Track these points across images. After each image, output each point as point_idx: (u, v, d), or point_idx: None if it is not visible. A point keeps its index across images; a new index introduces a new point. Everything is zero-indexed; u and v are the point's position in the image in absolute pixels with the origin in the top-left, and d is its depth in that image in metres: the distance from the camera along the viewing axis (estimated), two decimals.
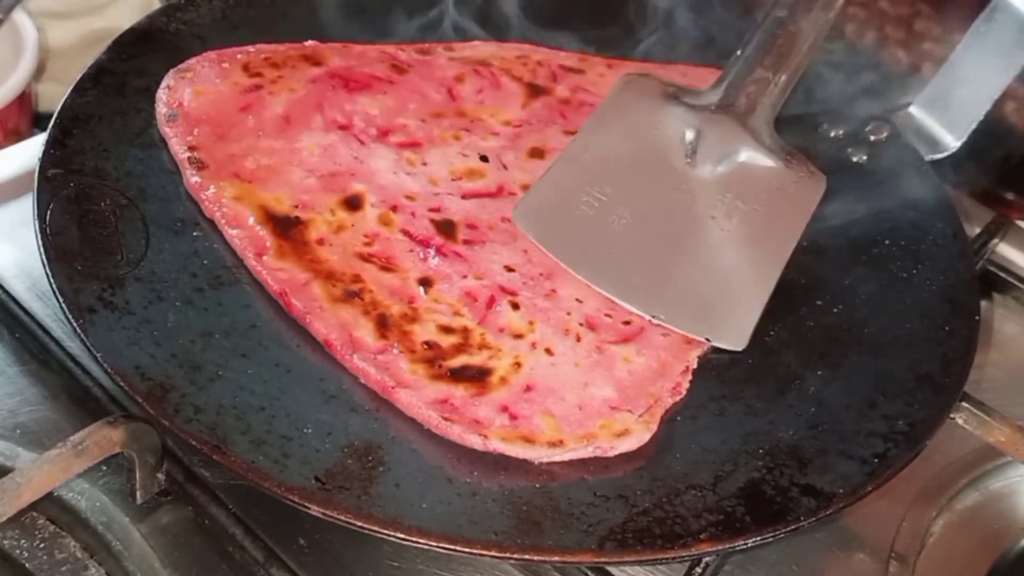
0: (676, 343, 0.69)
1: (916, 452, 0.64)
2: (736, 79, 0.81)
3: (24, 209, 0.71)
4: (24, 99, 0.93)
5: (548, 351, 0.67)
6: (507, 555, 0.57)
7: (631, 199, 0.75)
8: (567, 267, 0.71)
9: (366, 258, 0.70)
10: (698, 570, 0.64)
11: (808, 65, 0.82)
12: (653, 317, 0.69)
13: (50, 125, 0.73)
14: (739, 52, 0.82)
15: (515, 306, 0.69)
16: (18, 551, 0.62)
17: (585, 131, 0.79)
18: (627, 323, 0.69)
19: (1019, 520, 0.73)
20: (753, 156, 0.78)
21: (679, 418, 0.65)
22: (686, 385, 0.67)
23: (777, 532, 0.59)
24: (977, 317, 0.73)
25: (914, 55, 1.00)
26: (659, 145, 0.79)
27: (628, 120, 0.80)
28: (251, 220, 0.70)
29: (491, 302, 0.69)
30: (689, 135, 0.79)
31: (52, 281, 0.64)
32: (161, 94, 0.77)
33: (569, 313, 0.69)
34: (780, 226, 0.76)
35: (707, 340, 0.69)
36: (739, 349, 0.68)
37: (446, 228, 0.73)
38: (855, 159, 0.85)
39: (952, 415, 0.69)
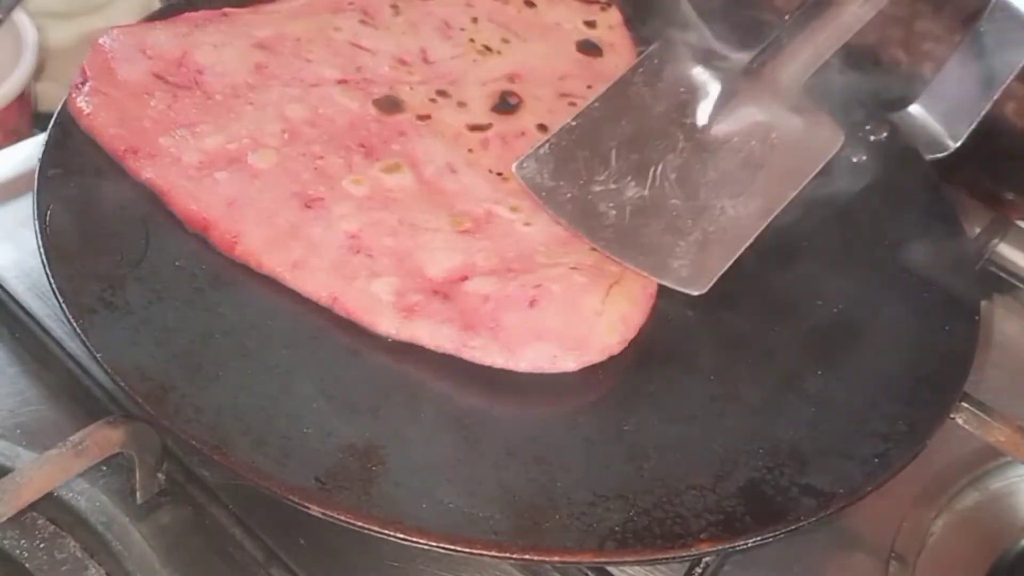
0: None
1: (916, 452, 0.64)
2: (770, 45, 0.82)
3: (24, 209, 0.71)
4: (24, 99, 0.93)
5: None
6: (507, 555, 0.57)
7: (641, 162, 0.77)
8: (570, 227, 0.73)
9: None
10: (698, 570, 0.64)
11: (848, 37, 0.82)
12: (628, 263, 0.71)
13: (50, 125, 0.73)
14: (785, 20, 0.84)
15: None
16: (18, 551, 0.62)
17: (604, 95, 0.81)
18: None
19: (1019, 520, 0.73)
20: (774, 116, 0.80)
21: (679, 417, 0.65)
22: None
23: (777, 532, 0.59)
24: (977, 317, 0.73)
25: (914, 55, 1.00)
26: (679, 106, 0.81)
27: (650, 85, 0.82)
28: None
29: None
30: (711, 96, 0.80)
31: (52, 281, 0.64)
32: None
33: None
34: (780, 181, 0.77)
35: (668, 284, 0.70)
36: (697, 293, 0.70)
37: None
38: (855, 159, 0.85)
39: (952, 415, 0.69)
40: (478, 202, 0.74)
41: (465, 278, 0.69)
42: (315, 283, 0.67)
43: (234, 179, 0.71)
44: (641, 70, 0.83)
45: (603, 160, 0.76)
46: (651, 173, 0.76)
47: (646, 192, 0.75)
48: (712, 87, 0.81)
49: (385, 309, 0.66)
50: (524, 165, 0.76)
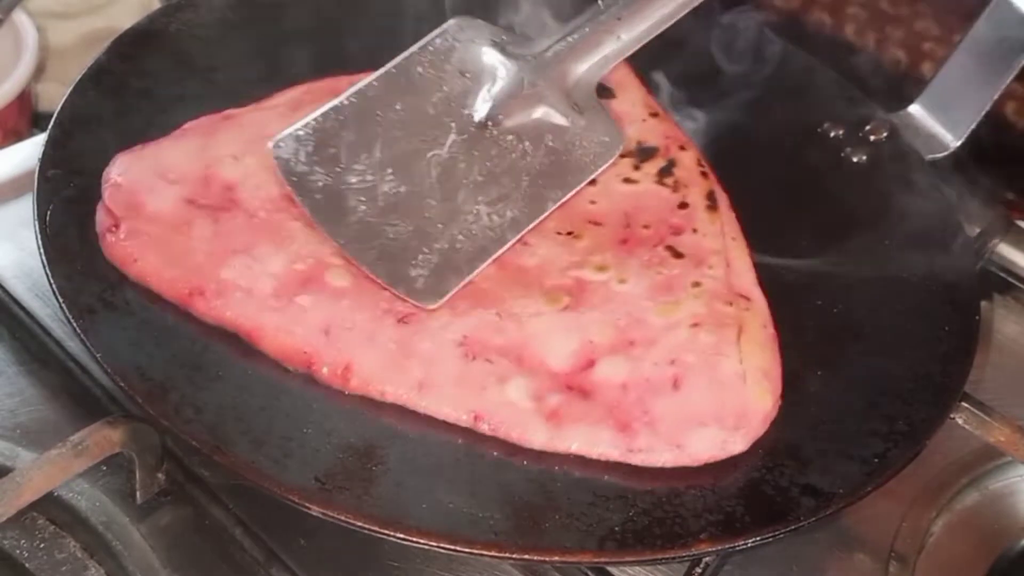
0: None
1: (916, 452, 0.64)
2: (570, 32, 0.76)
3: (24, 209, 0.71)
4: (24, 99, 0.93)
5: None
6: (507, 555, 0.57)
7: (406, 153, 0.70)
8: (316, 221, 0.67)
9: None
10: (698, 570, 0.64)
11: (662, 30, 0.76)
12: (363, 266, 0.66)
13: (50, 125, 0.73)
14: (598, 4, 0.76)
15: None
16: (18, 551, 0.62)
17: (384, 75, 0.73)
18: None
19: (1019, 520, 0.73)
20: (556, 115, 0.74)
21: None
22: None
23: (777, 532, 0.59)
24: (977, 317, 0.73)
25: (914, 55, 1.00)
26: (460, 94, 0.73)
27: (435, 67, 0.74)
28: None
29: None
30: (496, 85, 0.74)
31: (52, 281, 0.64)
32: None
33: None
34: (543, 192, 0.71)
35: (403, 296, 0.65)
36: (430, 308, 0.65)
37: None
38: (855, 159, 0.85)
39: (952, 415, 0.68)
40: (563, 272, 0.69)
41: (592, 363, 0.64)
42: (449, 403, 0.62)
43: (320, 302, 0.64)
44: (431, 48, 0.74)
45: (366, 147, 0.69)
46: (413, 167, 0.70)
47: (403, 188, 0.69)
48: (500, 75, 0.73)
49: (531, 419, 0.62)
50: (280, 144, 0.68)
